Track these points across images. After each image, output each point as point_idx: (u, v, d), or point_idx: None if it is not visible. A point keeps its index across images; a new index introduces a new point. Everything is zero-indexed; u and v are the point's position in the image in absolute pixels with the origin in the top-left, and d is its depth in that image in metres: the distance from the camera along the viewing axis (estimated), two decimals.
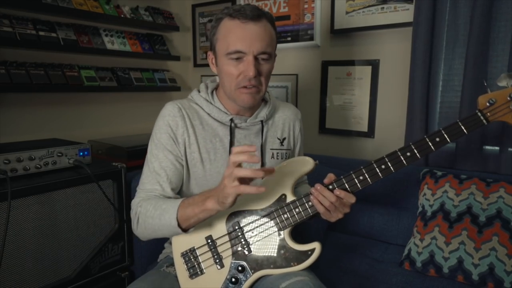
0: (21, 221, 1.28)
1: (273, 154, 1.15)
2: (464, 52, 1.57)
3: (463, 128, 0.94)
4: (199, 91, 1.15)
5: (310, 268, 1.00)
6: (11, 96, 1.70)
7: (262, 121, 1.13)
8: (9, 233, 1.23)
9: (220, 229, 1.02)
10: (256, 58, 1.00)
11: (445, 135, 0.95)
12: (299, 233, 1.12)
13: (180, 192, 1.13)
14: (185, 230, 0.96)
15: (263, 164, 1.12)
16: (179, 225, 0.94)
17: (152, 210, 0.99)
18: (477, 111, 0.95)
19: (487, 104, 0.95)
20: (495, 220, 1.31)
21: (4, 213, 1.20)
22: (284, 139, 1.19)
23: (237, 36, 0.99)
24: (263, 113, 1.14)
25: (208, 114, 1.11)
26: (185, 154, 1.08)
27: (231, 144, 1.09)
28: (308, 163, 1.00)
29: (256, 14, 0.99)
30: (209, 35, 1.09)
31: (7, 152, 1.30)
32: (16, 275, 1.27)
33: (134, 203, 1.06)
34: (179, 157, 1.08)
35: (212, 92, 1.14)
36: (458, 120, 0.95)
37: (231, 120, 1.09)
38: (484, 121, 0.94)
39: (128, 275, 1.62)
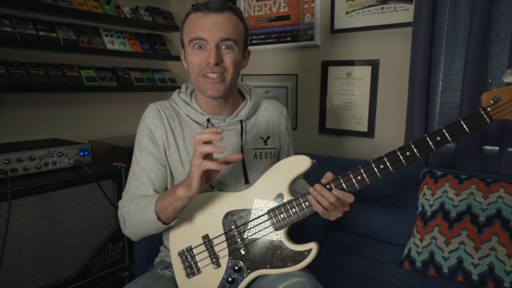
0: (21, 221, 1.28)
1: (255, 153, 1.12)
2: (464, 52, 1.57)
3: (465, 127, 0.91)
4: (179, 92, 1.14)
5: (308, 268, 1.00)
6: (11, 96, 1.70)
7: (241, 121, 1.11)
8: (9, 233, 1.23)
9: (216, 229, 1.02)
10: (218, 47, 0.99)
11: (446, 134, 0.91)
12: (298, 232, 1.12)
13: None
14: (166, 223, 0.97)
15: (244, 165, 1.10)
16: (158, 218, 0.95)
17: (134, 208, 1.01)
18: (480, 109, 0.91)
19: (491, 101, 0.90)
20: (495, 220, 1.32)
21: (5, 213, 1.20)
22: (268, 138, 1.15)
23: (198, 25, 0.99)
24: (243, 112, 1.11)
25: (187, 115, 1.10)
26: (166, 155, 1.07)
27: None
28: (305, 162, 0.99)
29: (219, 7, 0.99)
30: (180, 34, 1.09)
31: (7, 152, 1.30)
32: (16, 275, 1.27)
33: (119, 206, 1.08)
34: (160, 158, 1.07)
35: (192, 93, 1.13)
36: (460, 119, 0.92)
37: (208, 120, 1.08)
38: (488, 119, 0.91)
39: (128, 275, 1.62)
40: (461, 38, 1.63)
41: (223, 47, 1.00)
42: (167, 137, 1.07)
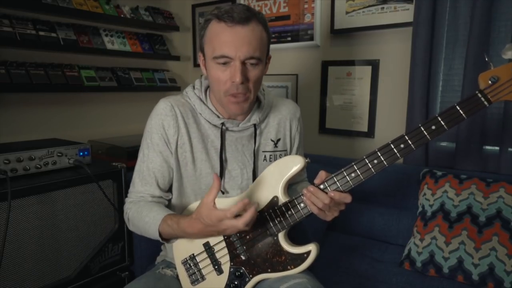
0: (21, 221, 1.28)
1: (265, 156, 1.11)
2: (464, 52, 1.57)
3: (461, 112, 0.84)
4: (194, 87, 1.11)
5: (308, 268, 0.99)
6: (11, 96, 1.70)
7: (255, 125, 1.09)
8: (9, 233, 1.23)
9: (216, 236, 1.01)
10: (243, 63, 0.95)
11: (441, 121, 0.85)
12: (299, 232, 1.12)
13: (172, 190, 1.12)
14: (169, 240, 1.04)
15: (255, 167, 1.09)
16: (162, 238, 1.01)
17: (138, 219, 1.04)
18: (477, 91, 0.84)
19: (489, 82, 0.83)
20: (495, 220, 1.32)
21: (4, 213, 1.20)
22: (278, 140, 1.13)
23: (223, 41, 0.94)
24: (255, 116, 1.09)
25: (200, 113, 1.07)
26: (177, 154, 1.06)
27: (222, 147, 1.06)
28: (296, 162, 0.96)
29: (244, 17, 0.93)
30: (198, 35, 1.05)
31: (7, 152, 1.30)
32: (16, 275, 1.27)
33: (125, 204, 1.11)
34: (169, 158, 1.07)
35: (206, 90, 1.10)
36: (455, 104, 0.85)
37: (222, 124, 1.06)
38: (485, 102, 0.84)
39: (128, 275, 1.62)
40: (461, 38, 1.63)
41: (248, 64, 0.96)
42: (180, 135, 1.05)
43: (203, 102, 1.07)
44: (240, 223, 0.85)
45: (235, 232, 0.93)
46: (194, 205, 1.06)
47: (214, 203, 0.88)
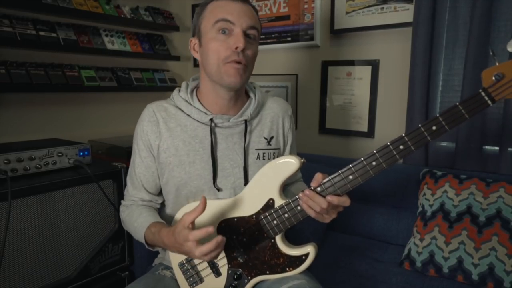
0: (21, 221, 1.28)
1: (258, 154, 1.07)
2: (464, 52, 1.57)
3: (463, 112, 0.80)
4: (179, 91, 1.10)
5: (308, 268, 0.98)
6: (11, 96, 1.70)
7: (246, 120, 1.06)
8: (9, 233, 1.23)
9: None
10: (244, 34, 0.96)
11: (442, 122, 0.81)
12: (297, 231, 1.11)
13: (163, 194, 1.13)
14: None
15: (246, 165, 1.06)
16: (148, 244, 1.04)
17: (129, 223, 1.08)
18: (480, 90, 0.80)
19: (493, 79, 0.79)
20: (495, 220, 1.32)
21: (5, 213, 1.20)
22: (272, 138, 1.10)
23: (225, 9, 0.96)
24: (248, 111, 1.06)
25: (188, 115, 1.06)
26: (159, 159, 1.05)
27: (212, 145, 1.04)
28: (292, 163, 0.94)
29: None
30: (193, 22, 1.05)
31: (7, 152, 1.30)
32: (16, 275, 1.27)
33: (121, 205, 1.15)
34: (153, 163, 1.07)
35: (192, 91, 1.08)
36: (457, 103, 0.81)
37: (211, 120, 1.03)
38: (489, 101, 0.79)
39: (128, 275, 1.62)
40: (461, 38, 1.63)
41: (247, 36, 0.98)
42: (162, 141, 1.04)
43: (189, 103, 1.06)
44: (196, 251, 0.84)
45: (194, 257, 0.91)
46: (185, 209, 1.04)
47: (192, 224, 0.87)
